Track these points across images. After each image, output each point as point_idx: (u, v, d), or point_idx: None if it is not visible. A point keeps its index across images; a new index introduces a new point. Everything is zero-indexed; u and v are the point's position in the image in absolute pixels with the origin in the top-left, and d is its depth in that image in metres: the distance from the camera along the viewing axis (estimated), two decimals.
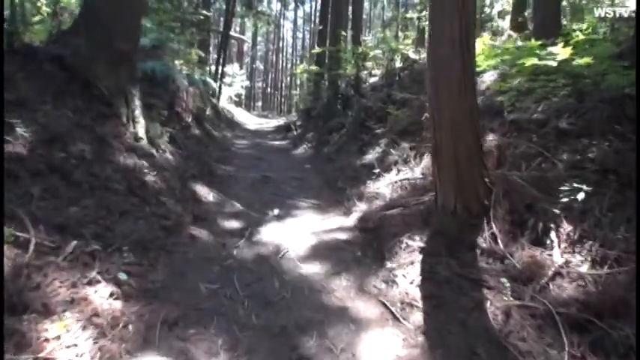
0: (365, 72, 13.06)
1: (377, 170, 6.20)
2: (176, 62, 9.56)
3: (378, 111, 9.17)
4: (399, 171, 6.13)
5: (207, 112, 12.10)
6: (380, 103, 9.31)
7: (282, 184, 6.71)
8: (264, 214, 5.28)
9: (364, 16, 24.99)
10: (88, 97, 5.19)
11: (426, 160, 5.85)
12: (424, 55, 12.11)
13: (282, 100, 37.46)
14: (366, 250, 4.12)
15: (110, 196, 3.93)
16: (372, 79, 12.40)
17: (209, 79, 12.63)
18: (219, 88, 17.95)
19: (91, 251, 3.02)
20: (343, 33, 11.94)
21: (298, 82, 31.97)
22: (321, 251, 4.17)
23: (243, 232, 4.54)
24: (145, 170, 4.80)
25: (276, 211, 5.35)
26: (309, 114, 14.30)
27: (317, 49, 12.31)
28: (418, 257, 3.58)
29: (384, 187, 5.58)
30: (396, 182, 5.59)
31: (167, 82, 8.40)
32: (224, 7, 18.89)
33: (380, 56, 13.35)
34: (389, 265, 3.64)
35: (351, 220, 5.04)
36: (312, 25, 34.48)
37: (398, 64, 12.30)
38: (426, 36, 3.84)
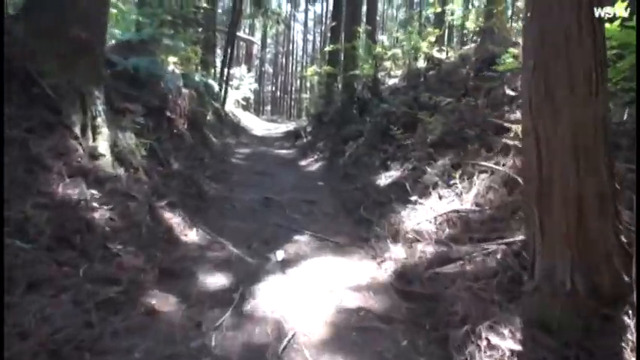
0: (382, 73, 11.60)
1: (413, 197, 4.71)
2: (170, 60, 8.18)
3: (402, 117, 7.69)
4: (440, 197, 4.64)
5: (208, 117, 10.70)
6: (405, 108, 7.83)
7: (289, 210, 5.25)
8: (264, 258, 3.82)
9: (377, 18, 23.47)
10: (27, 100, 3.78)
11: (479, 184, 4.36)
12: (451, 53, 10.62)
13: (292, 103, 36.05)
14: (416, 338, 2.62)
15: (18, 253, 2.49)
16: (391, 81, 10.92)
17: (211, 81, 11.24)
18: (225, 90, 16.54)
19: None
20: (359, 29, 10.46)
21: (308, 85, 30.53)
22: (344, 334, 2.69)
23: (231, 295, 3.08)
24: (95, 203, 3.36)
25: (279, 255, 3.88)
26: (321, 119, 12.85)
27: (330, 47, 10.85)
28: None
29: (426, 221, 4.09)
30: (440, 215, 4.10)
31: (155, 82, 7.00)
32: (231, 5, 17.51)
33: (399, 56, 11.89)
34: None
35: (384, 273, 3.55)
36: (323, 27, 33.06)
37: (420, 64, 10.82)
38: (525, 8, 2.31)
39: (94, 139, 4.14)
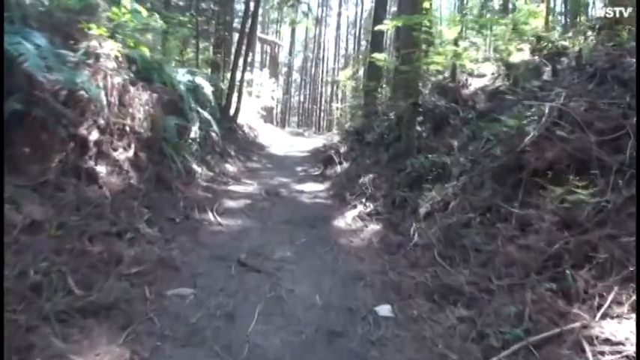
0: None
1: None
2: (112, 41, 4.30)
3: (550, 145, 3.57)
4: None
5: (194, 134, 6.78)
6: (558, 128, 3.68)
7: None
8: None
9: None
10: None
11: None
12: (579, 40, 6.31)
13: (322, 115, 32.08)
14: None
15: None
16: (476, 82, 6.73)
17: (201, 80, 7.32)
18: (239, 98, 12.73)
19: None
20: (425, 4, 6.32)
21: (340, 94, 26.47)
22: None
23: None
24: None
25: None
26: (361, 138, 8.77)
27: (386, 24, 6.56)
28: None
29: None
30: None
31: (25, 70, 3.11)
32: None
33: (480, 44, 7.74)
34: None
35: None
36: (357, 31, 29.06)
37: (521, 56, 6.62)
38: None
39: None
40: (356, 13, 30.94)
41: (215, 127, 7.41)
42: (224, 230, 4.11)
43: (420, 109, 6.35)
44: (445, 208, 4.03)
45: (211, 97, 7.53)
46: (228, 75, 12.73)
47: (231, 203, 5.23)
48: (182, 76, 7.14)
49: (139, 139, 4.90)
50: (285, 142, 15.58)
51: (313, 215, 4.95)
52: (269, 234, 4.10)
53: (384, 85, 10.52)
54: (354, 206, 5.16)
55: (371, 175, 6.07)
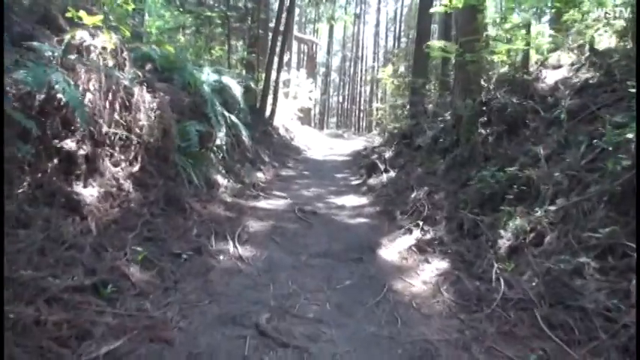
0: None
1: None
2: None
3: None
4: None
5: (220, 141, 5.95)
6: None
7: None
8: None
9: None
10: None
11: None
12: None
13: (361, 115, 30.98)
14: None
15: None
16: (552, 74, 5.54)
17: (228, 80, 6.49)
18: (274, 99, 11.93)
19: None
20: None
21: (380, 93, 25.28)
22: None
23: None
24: None
25: None
26: (409, 141, 7.71)
27: (444, 4, 5.47)
28: None
29: None
30: None
31: None
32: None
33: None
34: None
35: None
36: (396, 26, 27.75)
37: (605, 41, 5.37)
38: None
39: None
40: (395, 9, 29.66)
41: (244, 132, 6.55)
42: (244, 269, 3.19)
43: (485, 108, 5.25)
44: (539, 243, 2.95)
45: (240, 99, 6.68)
46: (264, 75, 11.90)
47: (257, 226, 4.32)
48: (207, 75, 6.36)
49: (148, 151, 4.10)
50: (324, 145, 14.67)
51: (357, 243, 3.96)
52: (302, 274, 3.15)
53: (433, 82, 9.42)
54: (409, 230, 4.13)
55: (426, 189, 5.03)
